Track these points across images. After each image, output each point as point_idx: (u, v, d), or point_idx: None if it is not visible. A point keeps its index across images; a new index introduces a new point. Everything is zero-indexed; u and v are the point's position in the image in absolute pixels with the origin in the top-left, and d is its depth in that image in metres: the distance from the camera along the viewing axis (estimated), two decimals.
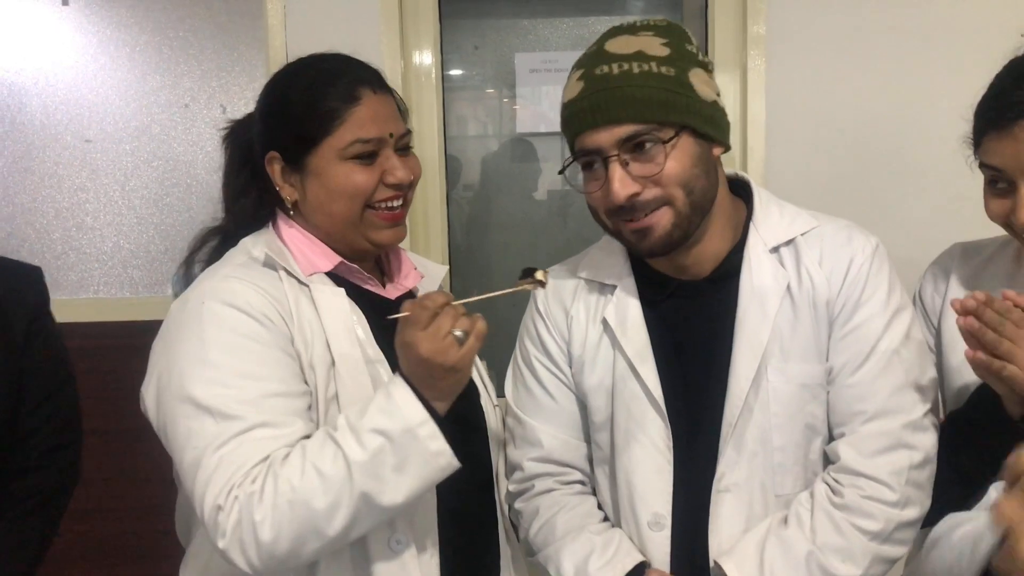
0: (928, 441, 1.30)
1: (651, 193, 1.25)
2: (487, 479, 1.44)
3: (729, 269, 1.35)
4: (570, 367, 1.43)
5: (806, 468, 1.32)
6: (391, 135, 1.32)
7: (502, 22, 2.77)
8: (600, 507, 1.43)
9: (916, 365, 1.32)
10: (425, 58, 2.64)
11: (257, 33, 2.51)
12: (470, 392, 1.39)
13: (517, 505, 1.45)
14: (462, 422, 1.34)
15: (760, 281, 1.32)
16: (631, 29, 1.31)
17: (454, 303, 1.17)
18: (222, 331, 1.21)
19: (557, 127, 2.82)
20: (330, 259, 1.35)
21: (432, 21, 2.62)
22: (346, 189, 1.30)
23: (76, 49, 2.54)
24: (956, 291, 1.43)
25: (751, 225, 1.36)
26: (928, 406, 1.31)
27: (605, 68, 1.26)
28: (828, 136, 2.46)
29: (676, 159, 1.25)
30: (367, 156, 1.30)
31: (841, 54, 2.45)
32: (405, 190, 1.35)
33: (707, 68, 1.31)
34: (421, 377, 1.16)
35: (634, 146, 1.24)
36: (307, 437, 1.19)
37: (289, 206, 1.36)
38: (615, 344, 1.37)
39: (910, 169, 2.44)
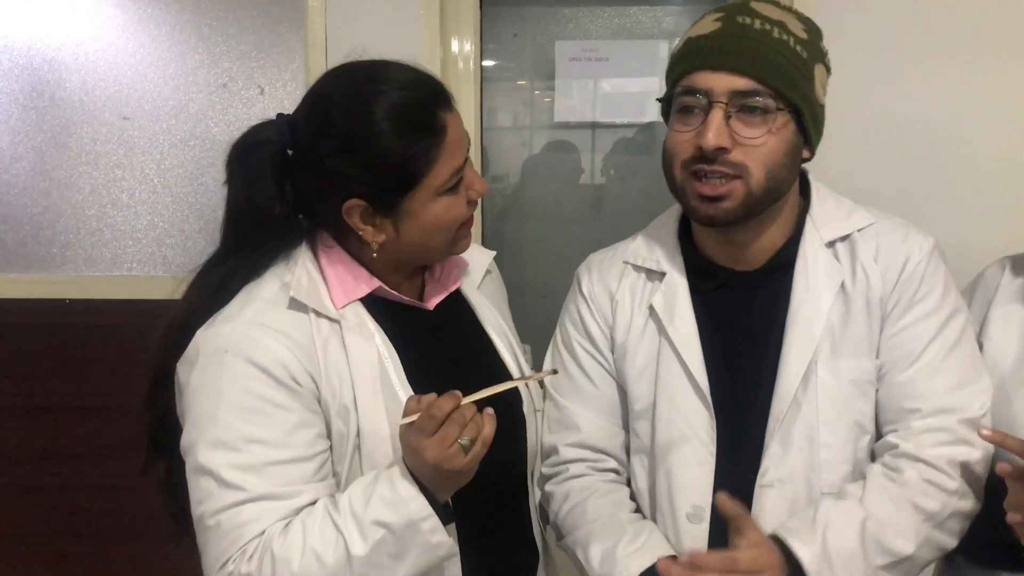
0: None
1: (738, 156, 1.22)
2: (522, 485, 1.42)
3: (783, 262, 1.33)
4: (612, 352, 1.41)
5: (853, 466, 1.29)
6: (468, 150, 1.28)
7: (543, 9, 2.74)
8: (633, 498, 1.41)
9: (970, 366, 1.29)
10: (465, 45, 2.62)
11: (297, 14, 2.50)
12: (511, 399, 1.37)
13: (548, 488, 1.44)
14: (500, 431, 1.32)
15: (815, 275, 1.30)
16: (777, 2, 1.30)
17: (463, 402, 1.14)
18: (238, 391, 1.17)
19: (596, 117, 2.79)
20: (368, 283, 1.29)
21: (473, 6, 2.60)
22: (445, 224, 1.26)
23: (116, 26, 2.54)
24: (1004, 305, 1.39)
25: (808, 218, 1.34)
26: (985, 410, 1.28)
27: (748, 20, 1.25)
28: (873, 134, 2.41)
29: (778, 137, 1.24)
30: (456, 184, 1.25)
31: (886, 52, 2.39)
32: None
33: (828, 71, 1.31)
34: (427, 477, 1.15)
35: (745, 105, 1.22)
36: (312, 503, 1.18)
37: (374, 249, 1.26)
38: (661, 331, 1.35)
39: (956, 170, 2.38)
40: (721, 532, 1.27)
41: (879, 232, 1.32)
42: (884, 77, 2.39)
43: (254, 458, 1.16)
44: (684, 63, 1.26)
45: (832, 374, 1.27)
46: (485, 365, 1.40)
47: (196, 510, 1.18)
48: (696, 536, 1.30)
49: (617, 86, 2.66)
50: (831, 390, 1.27)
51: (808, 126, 1.27)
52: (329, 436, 1.24)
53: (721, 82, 1.22)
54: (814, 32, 1.29)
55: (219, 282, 1.27)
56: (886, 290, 1.29)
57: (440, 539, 1.15)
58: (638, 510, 1.39)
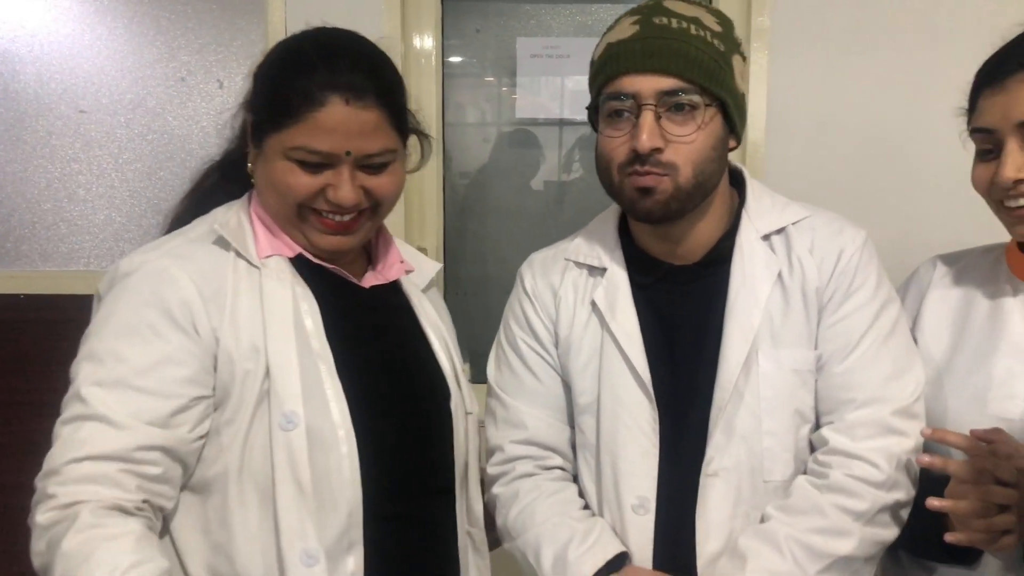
0: (918, 428, 1.29)
1: (669, 155, 1.25)
2: (447, 485, 1.37)
3: (720, 255, 1.35)
4: (556, 348, 1.42)
5: (795, 454, 1.31)
6: (348, 153, 1.21)
7: (505, 6, 2.74)
8: (581, 495, 1.42)
9: (904, 355, 1.33)
10: (426, 41, 2.62)
11: (256, 8, 2.48)
12: (438, 397, 1.37)
13: (495, 490, 1.44)
14: (424, 424, 1.34)
15: (751, 267, 1.33)
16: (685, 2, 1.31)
17: None
18: (128, 310, 1.16)
19: (556, 114, 2.80)
20: (291, 247, 1.29)
21: (435, 1, 2.60)
22: (279, 186, 1.23)
23: (72, 18, 2.51)
24: (936, 300, 1.43)
25: (743, 212, 1.37)
26: (918, 395, 1.31)
27: (664, 20, 1.26)
28: (829, 131, 2.45)
29: (706, 132, 1.26)
30: (313, 165, 1.21)
31: (845, 49, 2.43)
32: (349, 211, 1.25)
33: (744, 61, 1.33)
34: None
35: (673, 104, 1.24)
36: (156, 451, 1.13)
37: (250, 172, 1.29)
38: (603, 325, 1.36)
39: (911, 167, 2.43)
40: (666, 523, 1.30)
41: (813, 226, 1.35)
42: (839, 75, 2.43)
43: (110, 374, 1.13)
44: (608, 68, 1.27)
45: (773, 363, 1.30)
46: (415, 354, 1.38)
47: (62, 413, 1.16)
48: (642, 527, 1.31)
49: (579, 83, 2.67)
50: (772, 379, 1.30)
51: (733, 117, 1.30)
52: (229, 380, 1.19)
53: (648, 84, 1.23)
54: (727, 24, 1.31)
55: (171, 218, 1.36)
56: (822, 282, 1.32)
57: None
58: (587, 507, 1.40)
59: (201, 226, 1.28)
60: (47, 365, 2.51)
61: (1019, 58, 1.22)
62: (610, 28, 1.32)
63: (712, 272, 1.35)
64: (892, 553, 1.47)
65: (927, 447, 1.29)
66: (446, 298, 2.71)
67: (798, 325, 1.31)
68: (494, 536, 1.48)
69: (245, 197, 1.33)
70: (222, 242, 1.24)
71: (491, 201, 2.83)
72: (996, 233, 1.37)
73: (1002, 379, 1.29)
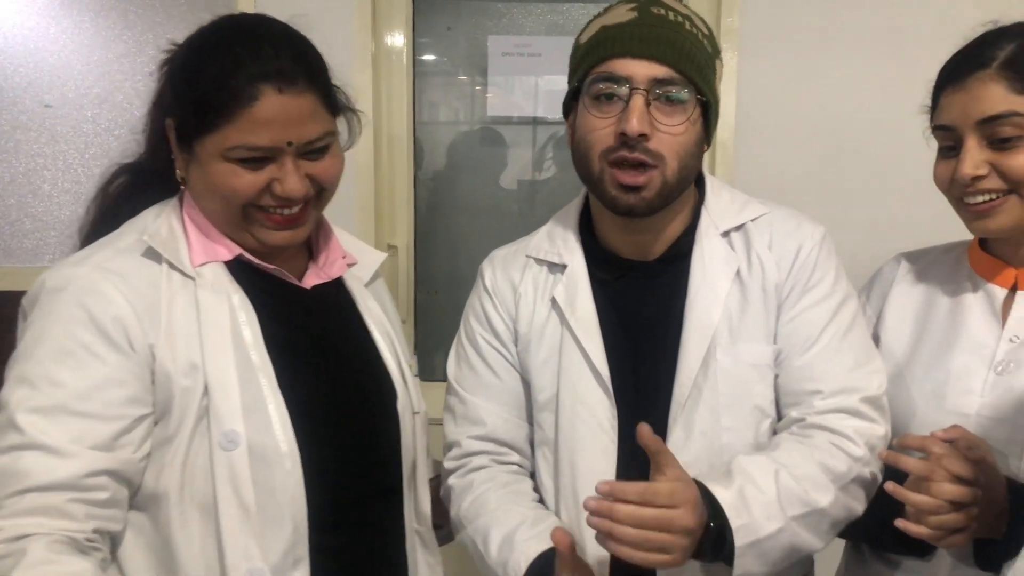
0: (887, 420, 1.31)
1: (655, 145, 1.24)
2: (394, 487, 1.34)
3: (680, 251, 1.35)
4: (515, 345, 1.42)
5: (755, 450, 1.31)
6: (290, 143, 1.16)
7: (476, 4, 2.74)
8: (536, 490, 1.41)
9: (864, 348, 1.34)
10: (397, 39, 2.62)
11: (226, 4, 2.46)
12: (384, 398, 1.34)
13: (450, 481, 1.43)
14: (370, 427, 1.31)
15: (711, 263, 1.33)
16: (677, 1, 1.32)
17: None
18: (61, 331, 1.11)
19: (528, 112, 2.80)
20: (230, 250, 1.23)
21: (405, 1, 2.60)
22: (222, 190, 1.17)
23: (37, 10, 2.48)
24: (899, 297, 1.45)
25: (703, 209, 1.37)
26: (883, 389, 1.32)
27: (662, 11, 1.27)
28: (798, 131, 2.47)
29: (693, 128, 1.27)
30: (254, 161, 1.16)
31: (814, 50, 2.46)
32: (297, 202, 1.20)
33: (722, 67, 1.35)
34: None
35: (663, 94, 1.24)
36: (102, 475, 1.09)
37: (181, 181, 1.23)
38: (563, 322, 1.36)
39: (879, 166, 2.46)
40: None
41: (772, 222, 1.36)
42: (808, 75, 2.46)
43: (48, 400, 1.08)
44: (601, 50, 1.26)
45: (731, 359, 1.30)
46: (360, 354, 1.35)
47: None
48: None
49: (551, 82, 2.68)
50: (731, 374, 1.30)
51: (711, 119, 1.30)
52: (167, 398, 1.14)
53: (642, 69, 1.22)
54: (711, 31, 1.33)
55: (94, 216, 1.29)
56: (780, 277, 1.32)
57: None
58: (541, 501, 1.40)
59: (130, 234, 1.21)
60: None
61: (979, 57, 1.24)
62: (601, 14, 1.31)
63: (672, 269, 1.35)
64: (855, 547, 1.49)
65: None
66: (416, 297, 2.74)
67: (756, 321, 1.32)
68: (447, 531, 1.47)
69: (175, 200, 1.26)
70: (153, 253, 1.18)
71: (462, 199, 2.83)
72: (962, 231, 1.38)
73: (959, 375, 1.31)
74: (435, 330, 2.78)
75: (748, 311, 1.32)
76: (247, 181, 1.16)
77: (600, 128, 1.25)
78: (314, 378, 1.26)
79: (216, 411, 1.15)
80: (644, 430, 1.15)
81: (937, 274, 1.43)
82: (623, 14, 1.27)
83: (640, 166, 1.24)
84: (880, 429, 1.29)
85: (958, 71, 1.26)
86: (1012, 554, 0.95)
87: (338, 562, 1.24)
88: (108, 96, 2.51)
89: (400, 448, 1.34)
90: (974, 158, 1.23)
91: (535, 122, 2.76)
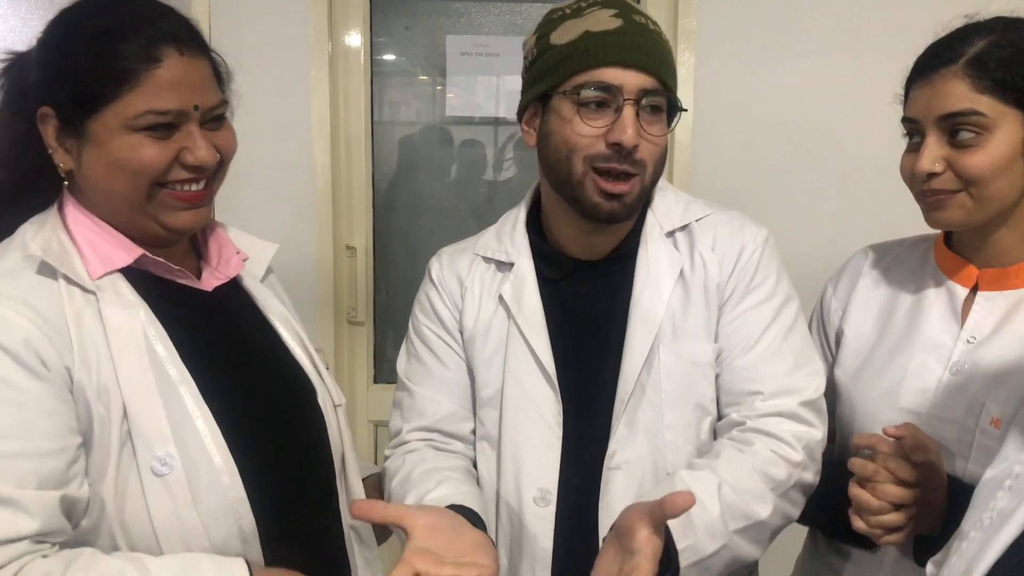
0: (825, 423, 1.33)
1: (641, 153, 1.26)
2: (329, 484, 1.31)
3: (626, 251, 1.37)
4: (462, 337, 1.43)
5: (697, 447, 1.34)
6: (196, 107, 1.11)
7: (434, 4, 2.73)
8: (478, 483, 1.41)
9: (804, 350, 1.36)
10: (354, 39, 2.60)
11: (182, 10, 2.41)
12: (303, 395, 1.30)
13: (387, 464, 1.43)
14: (297, 427, 1.27)
15: (656, 263, 1.35)
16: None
17: None
18: None
19: (487, 112, 2.79)
20: (129, 251, 1.14)
21: (362, 0, 2.59)
22: (129, 165, 1.09)
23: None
24: (865, 291, 1.46)
25: (649, 210, 1.39)
26: (822, 391, 1.34)
27: (642, 20, 1.29)
28: (755, 132, 2.50)
29: (665, 135, 1.30)
30: (162, 128, 1.09)
31: (771, 52, 2.48)
32: (208, 172, 1.15)
33: None
34: None
35: (649, 104, 1.26)
36: (64, 509, 1.02)
37: (63, 175, 1.14)
38: (510, 319, 1.37)
39: (836, 166, 2.50)
40: (567, 515, 1.31)
41: (716, 223, 1.38)
42: (766, 77, 2.49)
43: None
44: (590, 57, 1.26)
45: (674, 357, 1.32)
46: (271, 352, 1.30)
47: None
48: (543, 518, 1.32)
49: (510, 82, 2.67)
50: (673, 372, 1.32)
51: (673, 127, 1.34)
52: (87, 425, 1.07)
53: (633, 80, 1.24)
54: None
55: None
56: (723, 278, 1.35)
57: None
58: (478, 482, 1.40)
59: (12, 253, 1.11)
60: None
61: (948, 52, 1.25)
62: (577, 14, 1.30)
63: (618, 268, 1.37)
64: (811, 537, 1.53)
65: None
66: (375, 298, 2.72)
67: (698, 319, 1.34)
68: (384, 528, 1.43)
69: (53, 210, 1.16)
70: (46, 269, 1.08)
71: (421, 200, 2.82)
72: (921, 229, 1.40)
73: (915, 373, 1.32)
74: (395, 331, 2.77)
75: (691, 310, 1.34)
76: (156, 152, 1.10)
77: (588, 135, 1.26)
78: (232, 385, 1.20)
79: (142, 435, 1.08)
80: None
81: (903, 269, 1.44)
82: (606, 20, 1.27)
83: (624, 175, 1.27)
84: (818, 433, 1.31)
85: (928, 65, 1.27)
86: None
87: (288, 568, 1.19)
88: None
89: (329, 444, 1.30)
90: (932, 154, 1.24)
91: (496, 122, 2.76)
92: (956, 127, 1.22)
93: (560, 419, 1.33)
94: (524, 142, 1.39)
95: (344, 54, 2.60)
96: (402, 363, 1.49)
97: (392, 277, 2.78)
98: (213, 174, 1.18)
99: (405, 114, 2.82)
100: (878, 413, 1.34)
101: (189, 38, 1.12)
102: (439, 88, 2.75)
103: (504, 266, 1.41)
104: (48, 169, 1.14)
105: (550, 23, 1.32)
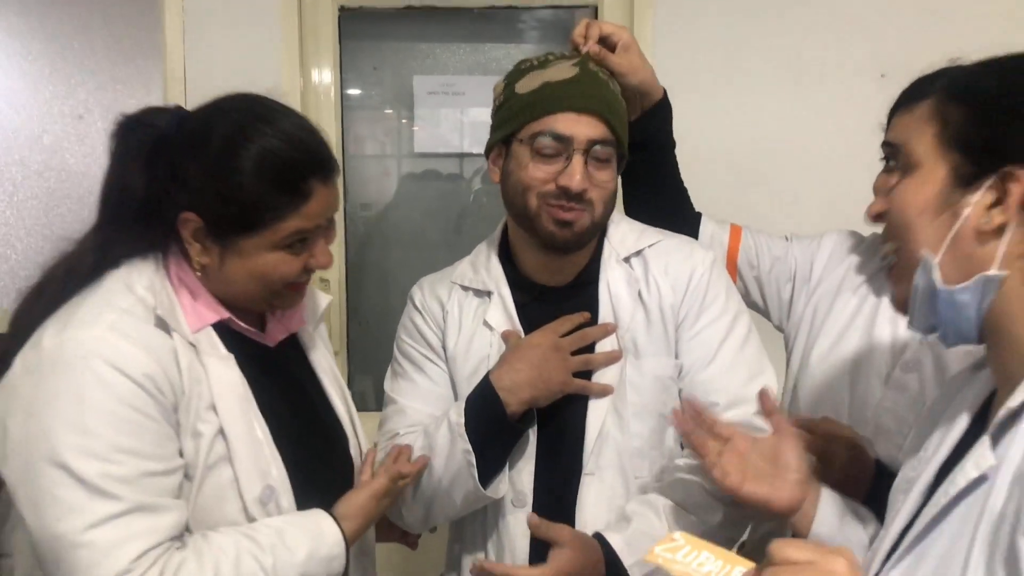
0: None
1: (590, 195, 1.38)
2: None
3: (588, 277, 1.49)
4: (445, 355, 1.52)
5: (663, 453, 1.45)
6: (328, 221, 1.29)
7: (401, 45, 2.83)
8: None
9: (757, 361, 1.47)
10: (324, 76, 2.68)
11: (155, 46, 2.51)
12: (339, 445, 1.43)
13: (378, 456, 1.49)
14: (332, 475, 1.40)
15: (616, 287, 1.47)
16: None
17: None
18: (106, 398, 1.12)
19: (453, 148, 2.87)
20: (218, 312, 1.28)
21: (332, 40, 2.67)
22: (270, 276, 1.26)
23: None
24: (839, 296, 1.57)
25: (605, 240, 1.51)
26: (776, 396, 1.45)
27: (596, 71, 1.43)
28: (705, 163, 2.60)
29: (613, 179, 1.42)
30: (299, 244, 1.25)
31: (721, 87, 2.60)
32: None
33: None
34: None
35: (598, 152, 1.38)
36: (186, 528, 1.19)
37: (195, 267, 1.26)
38: (491, 339, 1.48)
39: (783, 195, 2.61)
40: (543, 516, 1.39)
41: (667, 249, 1.51)
42: (716, 110, 2.59)
43: (127, 469, 1.12)
44: (546, 105, 1.38)
45: (637, 372, 1.44)
46: (318, 409, 1.44)
47: (55, 524, 1.10)
48: (520, 518, 1.42)
49: (476, 116, 2.78)
50: (638, 386, 1.43)
51: (620, 171, 1.46)
52: (193, 465, 1.21)
53: (583, 130, 1.36)
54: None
55: (76, 257, 1.25)
56: (676, 299, 1.46)
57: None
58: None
59: (123, 296, 1.21)
60: None
61: (930, 86, 1.35)
62: (543, 66, 1.42)
63: (582, 292, 1.48)
64: None
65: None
66: (348, 328, 2.79)
67: (658, 337, 1.45)
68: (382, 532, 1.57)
69: (159, 263, 1.27)
70: (161, 322, 1.20)
71: (391, 232, 2.89)
72: None
73: (875, 367, 1.45)
74: (367, 361, 2.84)
75: (650, 328, 1.45)
76: (292, 267, 1.26)
77: (540, 177, 1.39)
78: (289, 434, 1.33)
79: (245, 472, 1.24)
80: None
81: (874, 269, 1.55)
82: (565, 69, 1.41)
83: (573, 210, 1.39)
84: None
85: (909, 96, 1.37)
86: None
87: None
88: (37, 138, 2.53)
89: (353, 470, 1.44)
90: (867, 207, 1.38)
91: (462, 156, 2.85)
92: None
93: (535, 427, 1.43)
94: (485, 176, 1.50)
95: (315, 91, 2.68)
96: (388, 383, 1.57)
97: (364, 308, 2.85)
98: None
99: (374, 148, 2.91)
100: (835, 401, 1.48)
101: (331, 165, 1.27)
102: (405, 122, 2.84)
103: (482, 294, 1.52)
104: (149, 230, 1.25)
105: (518, 72, 1.45)
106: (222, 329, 1.29)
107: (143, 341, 1.17)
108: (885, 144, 1.43)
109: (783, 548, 0.85)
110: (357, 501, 1.34)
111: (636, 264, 1.50)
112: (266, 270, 1.25)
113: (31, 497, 1.12)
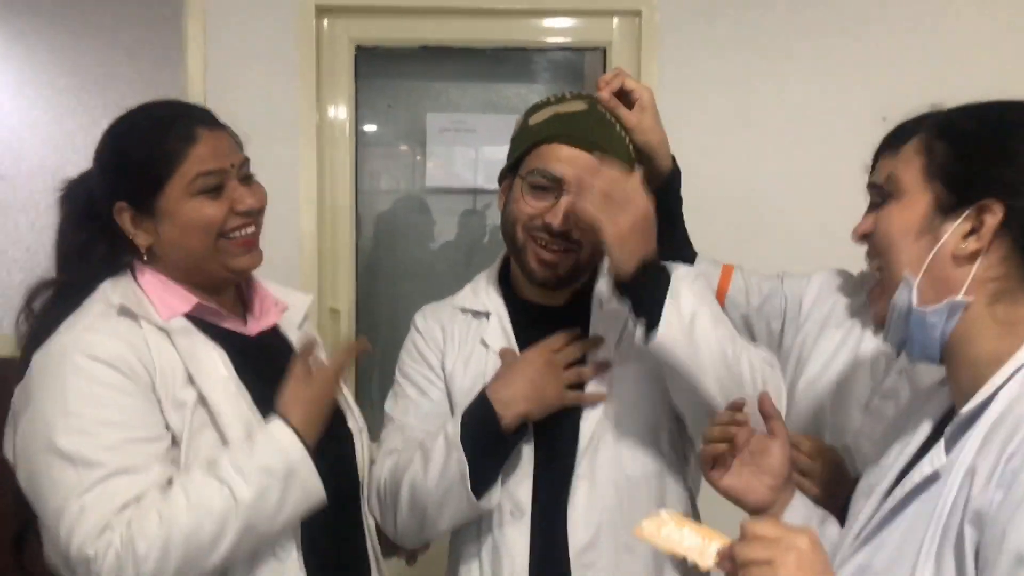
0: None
1: (578, 235, 1.44)
2: (353, 494, 1.52)
3: (582, 298, 1.56)
4: (444, 374, 1.57)
5: (655, 456, 1.49)
6: (232, 165, 1.39)
7: (415, 83, 2.90)
8: None
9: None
10: (340, 113, 2.75)
11: (177, 82, 2.59)
12: (335, 422, 1.48)
13: (373, 472, 1.54)
14: (331, 456, 1.43)
15: (608, 305, 1.53)
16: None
17: None
18: (83, 382, 1.26)
19: (465, 183, 2.94)
20: (187, 301, 1.40)
21: (348, 78, 2.74)
22: (198, 223, 1.36)
23: None
24: (826, 312, 1.63)
25: (601, 265, 1.56)
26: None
27: (605, 112, 1.50)
28: (708, 198, 2.64)
29: None
30: (214, 189, 1.36)
31: (726, 128, 2.66)
32: (255, 216, 1.42)
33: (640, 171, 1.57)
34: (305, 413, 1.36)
35: None
36: (169, 481, 1.27)
37: (143, 251, 1.39)
38: (488, 358, 1.53)
39: (782, 233, 2.66)
40: (540, 526, 1.45)
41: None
42: (721, 149, 2.66)
43: (109, 438, 1.25)
44: (550, 132, 1.45)
45: (628, 374, 1.49)
46: None
47: (54, 501, 1.24)
48: (520, 530, 1.46)
49: (487, 153, 2.84)
50: (629, 391, 1.49)
51: None
52: (178, 434, 1.32)
53: (576, 173, 1.41)
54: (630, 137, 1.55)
55: (49, 305, 1.40)
56: None
57: (315, 483, 1.32)
58: None
59: (96, 304, 1.36)
60: None
61: (914, 130, 1.41)
62: (557, 101, 1.50)
63: (575, 310, 1.55)
64: None
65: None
66: (358, 360, 2.82)
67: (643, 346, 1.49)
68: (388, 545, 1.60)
69: (126, 275, 1.41)
70: (127, 313, 1.34)
71: (402, 264, 2.95)
72: None
73: (856, 395, 1.50)
74: (376, 389, 2.88)
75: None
76: (215, 208, 1.36)
77: (529, 212, 1.45)
78: (270, 405, 1.39)
79: (226, 425, 1.33)
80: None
81: (862, 308, 1.59)
82: (574, 104, 1.49)
83: (559, 249, 1.45)
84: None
85: (894, 139, 1.44)
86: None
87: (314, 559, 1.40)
88: (60, 168, 2.56)
89: (357, 467, 1.52)
90: (855, 226, 1.40)
91: (474, 192, 2.91)
92: None
93: (532, 440, 1.48)
94: (496, 210, 1.57)
95: (330, 126, 2.74)
96: (389, 403, 1.62)
97: (374, 338, 2.88)
98: (258, 222, 1.44)
99: (387, 183, 2.97)
100: (816, 423, 1.53)
101: (211, 119, 1.42)
102: (419, 159, 2.90)
103: (480, 315, 1.58)
104: (116, 258, 1.41)
105: (535, 108, 1.53)
106: (201, 324, 1.41)
107: (112, 331, 1.31)
108: (871, 186, 1.48)
109: (753, 525, 0.95)
110: (286, 392, 1.38)
111: None
112: (192, 217, 1.36)
113: (37, 486, 1.26)
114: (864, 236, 1.38)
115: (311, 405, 1.37)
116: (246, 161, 1.44)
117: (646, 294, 1.34)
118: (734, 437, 1.25)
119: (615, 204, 1.33)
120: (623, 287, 1.36)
